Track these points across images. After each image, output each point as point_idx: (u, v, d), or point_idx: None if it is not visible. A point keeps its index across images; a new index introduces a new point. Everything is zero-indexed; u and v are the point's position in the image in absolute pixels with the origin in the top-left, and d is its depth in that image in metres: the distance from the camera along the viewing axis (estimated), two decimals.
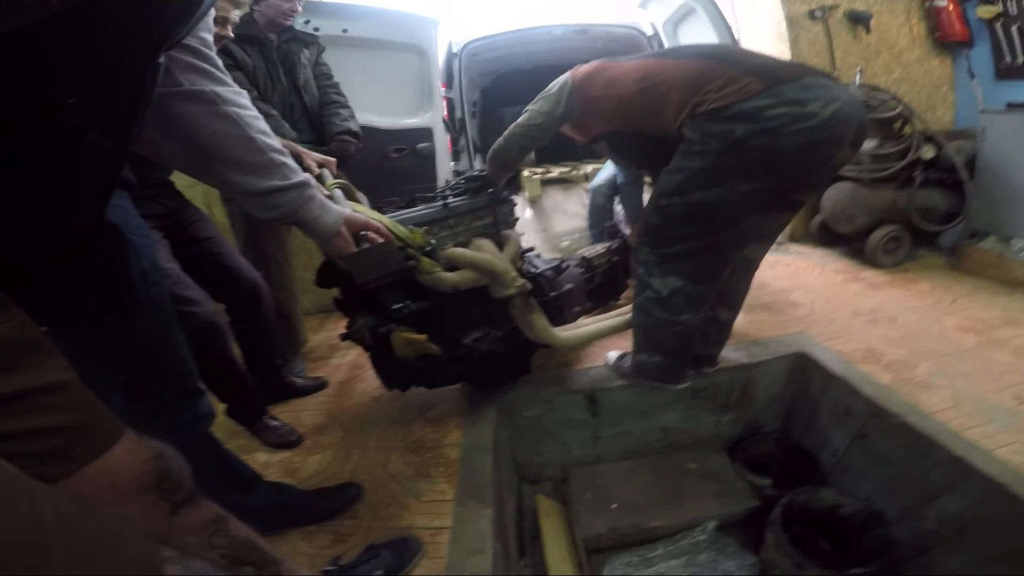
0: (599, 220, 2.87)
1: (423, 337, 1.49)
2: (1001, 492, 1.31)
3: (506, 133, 1.75)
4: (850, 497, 1.60)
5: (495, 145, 1.79)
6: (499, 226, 1.83)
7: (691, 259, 1.50)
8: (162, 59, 0.66)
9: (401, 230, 1.35)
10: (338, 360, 2.37)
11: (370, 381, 2.09)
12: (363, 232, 1.13)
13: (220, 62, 0.88)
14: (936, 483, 1.46)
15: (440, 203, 1.67)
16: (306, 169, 1.52)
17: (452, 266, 1.55)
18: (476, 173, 1.87)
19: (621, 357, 1.89)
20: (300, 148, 1.82)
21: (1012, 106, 2.86)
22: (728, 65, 1.35)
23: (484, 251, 1.65)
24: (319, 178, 1.80)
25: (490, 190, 1.82)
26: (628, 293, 2.66)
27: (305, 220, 1.04)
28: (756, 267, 1.75)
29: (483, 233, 1.77)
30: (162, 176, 1.57)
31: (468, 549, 1.26)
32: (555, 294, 1.87)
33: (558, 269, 1.95)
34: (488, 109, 4.48)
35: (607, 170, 2.72)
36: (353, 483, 1.51)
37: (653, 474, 1.89)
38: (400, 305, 1.47)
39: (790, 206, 1.55)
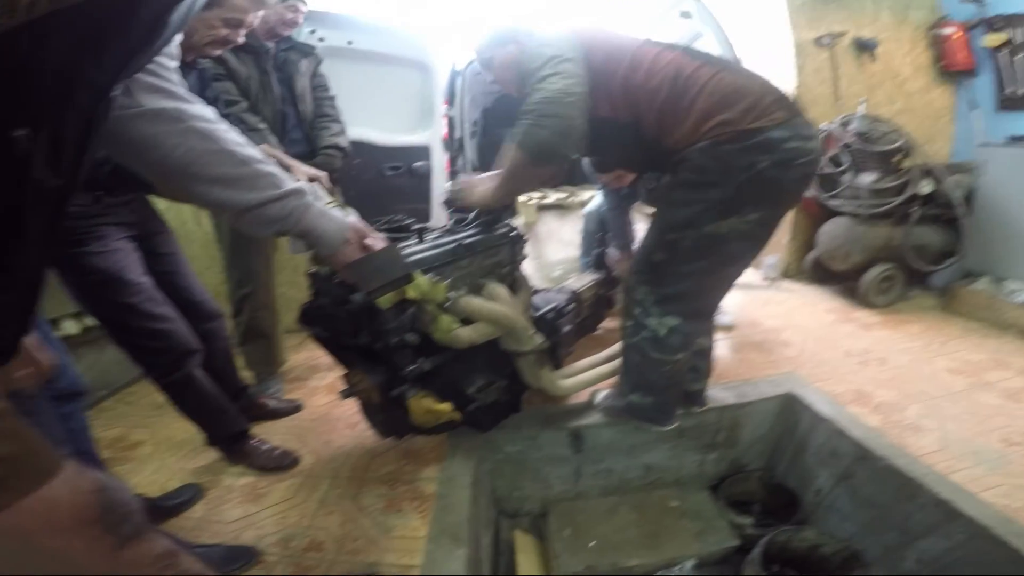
0: (590, 247, 2.91)
1: (447, 407, 1.48)
2: (984, 534, 1.33)
3: (551, 111, 1.29)
4: (831, 536, 1.60)
5: (538, 133, 1.32)
6: (511, 264, 1.80)
7: (693, 297, 1.50)
8: (117, 91, 0.65)
9: (423, 282, 1.31)
10: (316, 383, 2.37)
11: (347, 407, 2.08)
12: (365, 241, 1.09)
13: (183, 84, 0.87)
14: (919, 524, 1.47)
15: (454, 241, 1.58)
16: None
17: (466, 317, 1.53)
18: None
19: (609, 396, 1.90)
20: (289, 159, 1.83)
21: (1015, 139, 2.90)
22: (755, 85, 1.35)
23: (501, 300, 1.63)
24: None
25: (507, 225, 1.77)
26: (606, 324, 2.71)
27: (310, 229, 0.99)
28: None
29: (494, 271, 1.74)
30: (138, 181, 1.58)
31: None
32: (554, 339, 1.86)
33: (558, 313, 1.97)
34: (488, 129, 4.57)
35: (601, 196, 2.77)
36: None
37: (634, 511, 1.88)
38: (414, 366, 1.43)
39: (769, 236, 1.56)
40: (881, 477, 1.60)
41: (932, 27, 3.54)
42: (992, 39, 3.27)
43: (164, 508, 1.55)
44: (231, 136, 0.90)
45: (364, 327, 1.37)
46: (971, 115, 3.50)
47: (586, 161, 2.34)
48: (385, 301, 1.27)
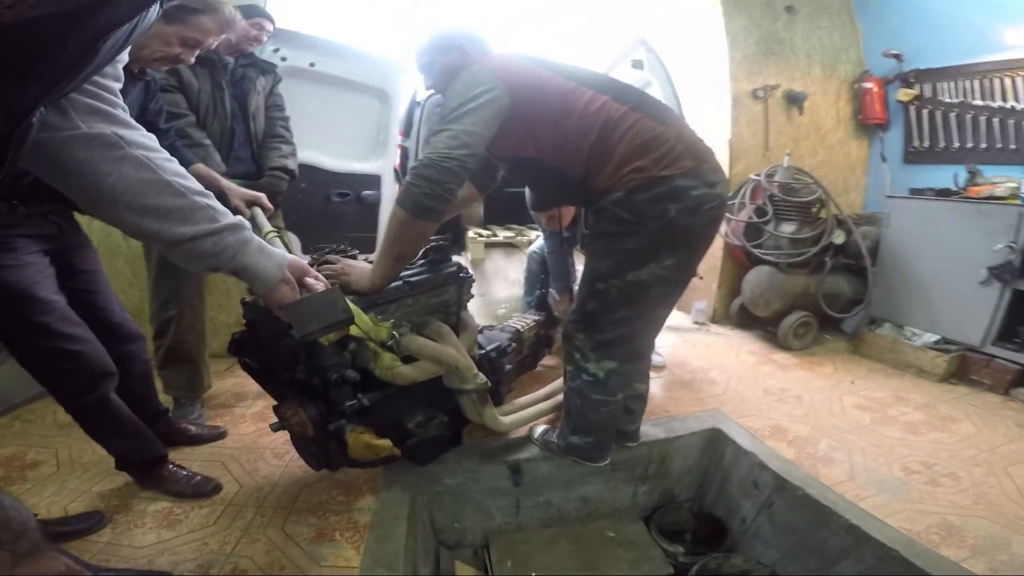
0: (533, 286, 2.97)
1: (387, 443, 1.43)
2: (893, 557, 1.42)
3: (427, 174, 1.33)
4: (758, 563, 1.65)
5: (413, 192, 1.35)
6: (456, 304, 1.79)
7: (626, 341, 1.56)
8: (35, 118, 0.63)
9: (365, 321, 1.28)
10: (242, 410, 2.25)
11: (275, 436, 1.99)
12: (305, 279, 1.04)
13: (125, 107, 0.84)
14: (835, 549, 1.56)
15: (400, 279, 1.56)
16: (233, 209, 1.41)
17: (407, 354, 1.51)
18: (436, 243, 1.78)
19: (546, 432, 1.93)
20: (225, 183, 1.78)
21: (914, 192, 3.13)
22: (671, 132, 1.40)
23: (445, 340, 1.62)
24: (252, 221, 1.71)
25: (453, 266, 1.76)
26: (545, 361, 2.76)
27: (244, 267, 0.94)
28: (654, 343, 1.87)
29: (440, 310, 1.73)
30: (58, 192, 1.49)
31: None
32: (496, 377, 1.88)
33: (501, 352, 1.99)
34: None
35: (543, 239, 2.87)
36: None
37: (572, 543, 1.88)
38: (353, 402, 1.39)
39: (689, 279, 1.64)
40: (798, 505, 1.69)
41: (856, 81, 3.76)
42: (904, 94, 3.48)
43: (63, 533, 1.40)
44: (170, 166, 0.87)
45: (302, 362, 1.33)
46: (881, 168, 3.75)
47: (528, 199, 2.44)
48: (325, 339, 1.21)
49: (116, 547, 1.40)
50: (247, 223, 0.96)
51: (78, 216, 1.56)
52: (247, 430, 2.08)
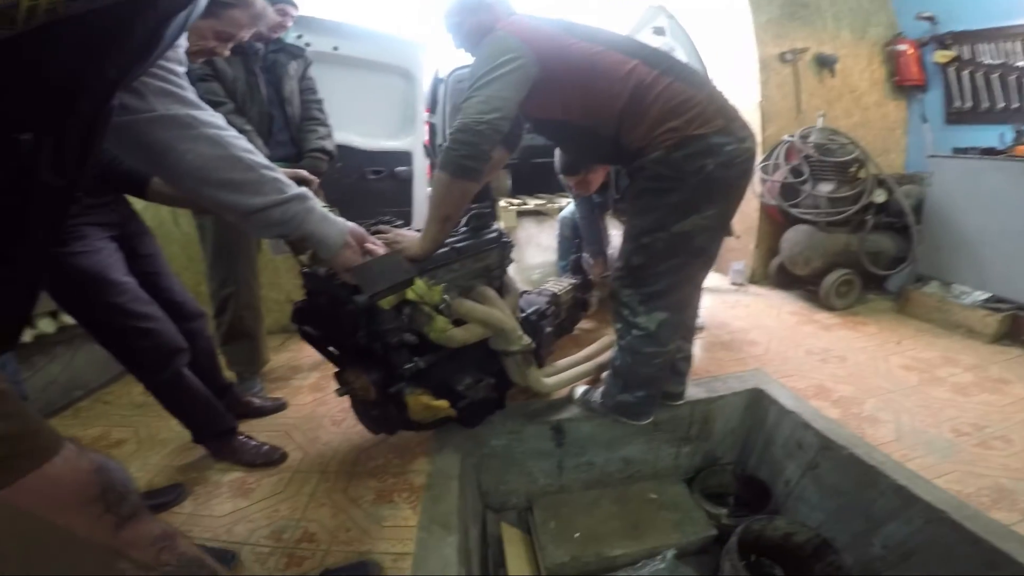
0: (567, 251, 2.98)
1: (444, 403, 1.51)
2: (942, 519, 1.42)
3: (463, 138, 1.39)
4: (802, 525, 1.67)
5: (452, 155, 1.41)
6: (499, 268, 1.84)
7: (673, 290, 1.59)
8: (116, 100, 0.67)
9: (420, 284, 1.35)
10: (299, 382, 2.35)
11: (332, 404, 2.08)
12: (366, 244, 1.12)
13: (192, 89, 0.89)
14: (882, 511, 1.56)
15: (446, 246, 1.62)
16: None
17: (459, 318, 1.56)
18: (477, 211, 1.83)
19: (587, 392, 1.95)
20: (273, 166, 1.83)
21: (958, 151, 3.06)
22: (702, 95, 1.45)
23: (491, 303, 1.68)
24: None
25: (494, 231, 1.82)
26: (581, 325, 2.79)
27: (310, 233, 1.02)
28: (700, 296, 1.91)
29: (483, 275, 1.78)
30: (118, 182, 1.54)
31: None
32: (536, 340, 1.90)
33: (541, 315, 2.02)
34: None
35: (574, 204, 2.84)
36: None
37: (615, 504, 1.94)
38: (411, 364, 1.46)
39: (727, 228, 1.69)
40: (844, 466, 1.69)
41: (888, 44, 3.70)
42: (941, 56, 3.44)
43: (149, 506, 1.52)
44: (239, 143, 0.93)
45: (363, 327, 1.38)
46: (922, 128, 3.67)
47: (557, 164, 2.43)
48: (386, 303, 1.30)
49: (198, 517, 1.51)
50: (310, 193, 1.03)
51: (134, 203, 1.64)
52: (305, 400, 2.18)
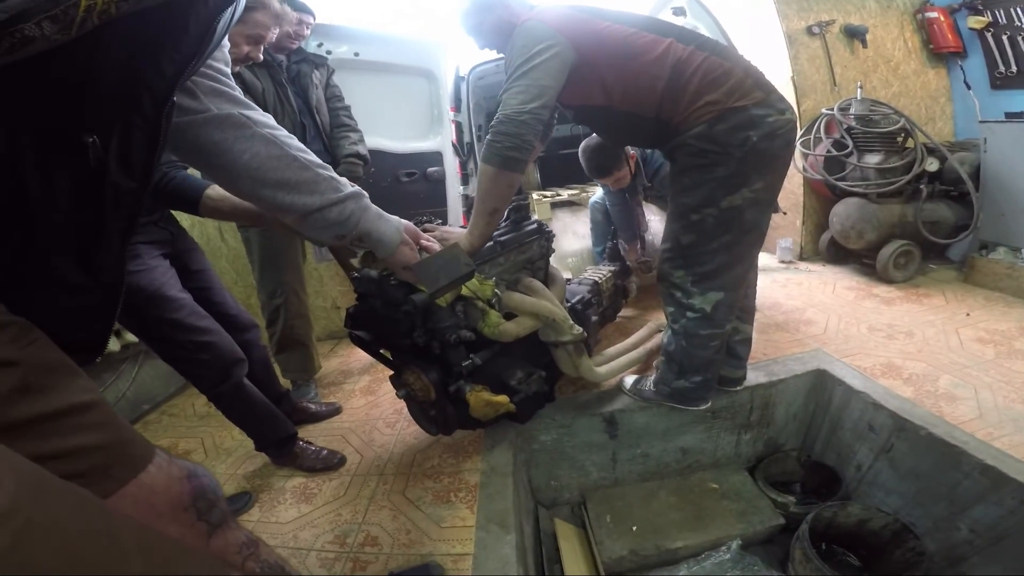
0: (601, 236, 2.94)
1: (504, 399, 1.49)
2: None
3: (505, 129, 1.36)
4: (878, 510, 1.57)
5: (496, 147, 1.38)
6: (541, 259, 1.82)
7: (727, 268, 1.54)
8: (175, 98, 0.67)
9: (472, 280, 1.33)
10: (351, 386, 2.38)
11: (385, 406, 2.09)
12: (421, 241, 1.10)
13: (239, 88, 0.88)
14: (968, 493, 1.45)
15: (492, 241, 1.61)
16: None
17: (509, 311, 1.55)
18: (516, 203, 1.80)
19: (639, 381, 1.90)
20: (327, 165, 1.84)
21: (1010, 116, 2.92)
22: (738, 68, 1.41)
23: (539, 294, 1.65)
24: None
25: (534, 223, 1.79)
26: (624, 312, 2.72)
27: (367, 232, 1.00)
28: (756, 274, 1.86)
29: (526, 266, 1.76)
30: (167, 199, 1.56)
31: None
32: (585, 329, 1.84)
33: (586, 304, 1.98)
34: None
35: (603, 192, 2.79)
36: None
37: (673, 495, 1.87)
38: (468, 362, 1.45)
39: (775, 202, 1.63)
40: (923, 448, 1.57)
41: (917, 11, 3.56)
42: (975, 21, 3.30)
43: None
44: (292, 142, 0.92)
45: (420, 326, 1.36)
46: (968, 95, 3.50)
47: (585, 167, 2.41)
48: (442, 300, 1.27)
49: (265, 524, 1.53)
50: (365, 192, 1.01)
51: (181, 220, 1.67)
52: (358, 404, 2.20)
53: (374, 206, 1.02)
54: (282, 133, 0.91)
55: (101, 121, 0.58)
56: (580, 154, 2.39)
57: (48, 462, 0.60)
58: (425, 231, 1.46)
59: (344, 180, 0.97)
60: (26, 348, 0.61)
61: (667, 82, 1.40)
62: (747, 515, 1.75)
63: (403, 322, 1.35)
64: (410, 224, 1.11)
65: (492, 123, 1.39)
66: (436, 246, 1.11)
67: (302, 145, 0.94)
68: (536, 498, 1.95)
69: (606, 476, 1.96)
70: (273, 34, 1.61)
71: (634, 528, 1.76)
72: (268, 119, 0.90)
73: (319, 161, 0.94)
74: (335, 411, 2.13)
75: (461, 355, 1.44)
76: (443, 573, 1.28)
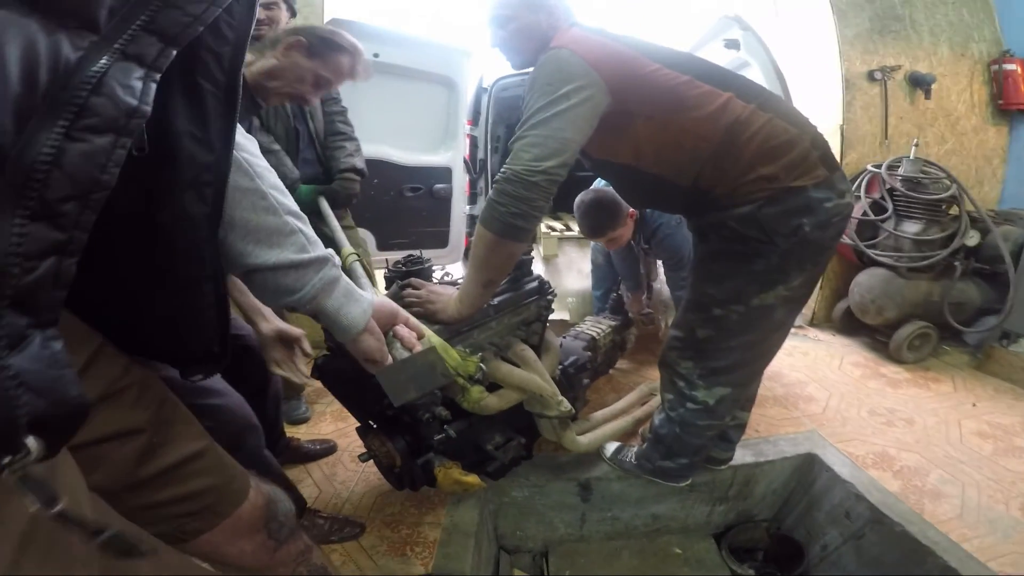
0: (600, 280, 2.98)
1: (475, 479, 1.55)
2: None
3: (512, 191, 1.24)
4: None
5: (498, 210, 1.27)
6: (537, 321, 1.80)
7: (742, 366, 1.52)
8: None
9: (454, 356, 1.19)
10: (322, 408, 2.50)
11: (354, 436, 2.16)
12: (396, 328, 0.93)
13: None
14: None
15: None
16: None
17: (494, 382, 1.56)
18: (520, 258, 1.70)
19: (620, 450, 1.97)
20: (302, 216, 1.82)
21: None
22: (805, 137, 1.30)
23: (529, 366, 1.65)
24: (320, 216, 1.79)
25: (535, 280, 1.76)
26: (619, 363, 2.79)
27: (325, 310, 0.82)
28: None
29: (520, 328, 1.74)
30: None
31: None
32: (573, 395, 1.94)
33: (579, 368, 2.04)
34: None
35: None
36: None
37: (636, 557, 1.99)
38: (441, 435, 1.46)
39: (811, 293, 1.60)
40: (894, 541, 1.71)
41: (993, 62, 3.50)
42: None
43: None
44: (269, 177, 0.78)
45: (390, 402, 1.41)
46: None
47: (579, 227, 2.37)
48: None
49: None
50: (338, 259, 0.87)
51: None
52: (327, 430, 2.33)
53: (346, 280, 0.85)
54: (260, 164, 0.78)
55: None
56: (575, 209, 2.31)
57: (171, 505, 0.77)
58: (407, 286, 1.46)
59: (316, 239, 0.82)
60: (148, 410, 0.75)
61: (716, 147, 1.28)
62: None
63: (371, 390, 1.22)
64: (387, 303, 0.94)
65: (496, 179, 1.27)
66: (412, 339, 0.94)
67: (280, 184, 0.80)
68: (500, 543, 2.06)
69: (572, 532, 2.08)
70: (340, 85, 1.62)
71: None
72: (248, 142, 0.78)
73: (294, 208, 0.80)
74: (330, 450, 2.16)
75: (434, 429, 1.45)
76: None
